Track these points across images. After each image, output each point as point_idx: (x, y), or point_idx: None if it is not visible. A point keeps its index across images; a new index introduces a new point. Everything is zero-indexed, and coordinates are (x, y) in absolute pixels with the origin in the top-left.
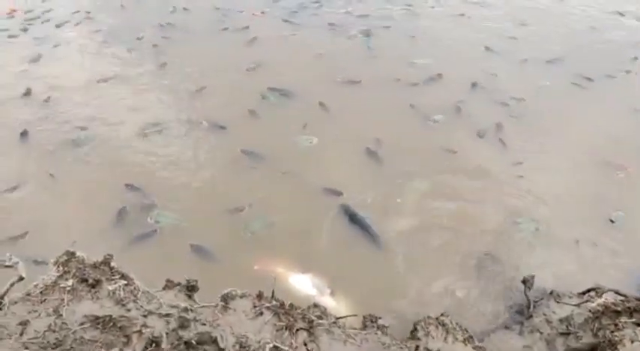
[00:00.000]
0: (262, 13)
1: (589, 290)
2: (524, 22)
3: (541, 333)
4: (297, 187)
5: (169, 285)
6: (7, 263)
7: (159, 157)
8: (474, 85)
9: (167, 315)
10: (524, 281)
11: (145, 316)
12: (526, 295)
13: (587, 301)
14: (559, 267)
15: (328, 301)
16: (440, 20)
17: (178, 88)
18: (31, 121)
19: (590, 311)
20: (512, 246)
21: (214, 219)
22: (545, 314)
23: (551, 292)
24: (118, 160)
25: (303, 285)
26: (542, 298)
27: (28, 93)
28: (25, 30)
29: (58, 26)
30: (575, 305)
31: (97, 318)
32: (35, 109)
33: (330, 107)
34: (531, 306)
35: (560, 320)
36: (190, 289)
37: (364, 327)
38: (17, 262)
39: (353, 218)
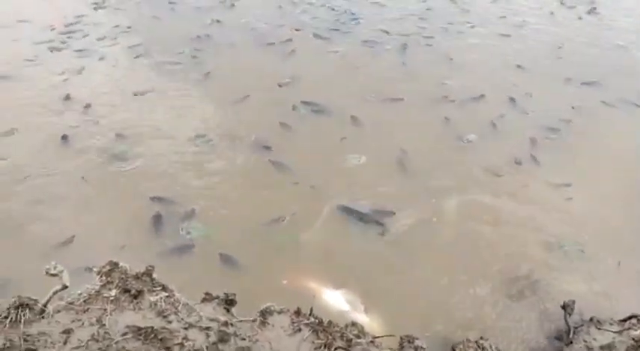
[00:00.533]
0: (297, 30)
1: (630, 317)
2: (560, 45)
3: None
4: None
5: (208, 298)
6: (52, 272)
7: (195, 167)
8: (510, 103)
9: (207, 328)
10: (564, 306)
11: (185, 328)
12: (566, 320)
13: (629, 328)
14: (600, 293)
15: (362, 318)
16: (479, 39)
17: (217, 100)
18: (72, 128)
19: (632, 339)
20: (553, 269)
21: (247, 231)
22: (585, 341)
23: (591, 319)
24: (155, 170)
25: (336, 301)
26: (582, 325)
27: (67, 97)
28: (65, 43)
29: (99, 39)
30: (616, 332)
31: (139, 329)
32: (75, 116)
33: (363, 122)
34: (571, 332)
35: (602, 347)
36: (229, 302)
37: (401, 348)
38: (62, 271)
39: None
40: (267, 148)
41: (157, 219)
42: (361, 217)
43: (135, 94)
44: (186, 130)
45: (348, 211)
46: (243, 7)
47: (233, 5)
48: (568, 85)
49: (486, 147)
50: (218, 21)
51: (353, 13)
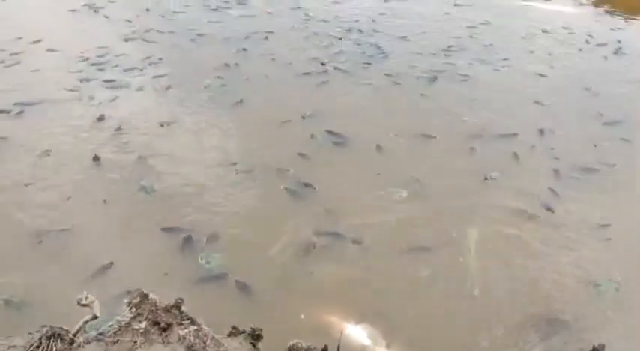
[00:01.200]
0: (323, 64)
1: None
2: (587, 84)
3: None
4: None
5: (234, 332)
6: (83, 302)
7: (218, 196)
8: (537, 140)
9: None
10: (594, 350)
11: None
12: None
13: None
14: (632, 335)
15: None
16: (504, 75)
17: (244, 130)
18: (103, 151)
19: None
20: (585, 310)
21: (267, 261)
22: None
23: None
24: (180, 198)
25: (357, 336)
26: None
27: (97, 125)
28: (95, 73)
29: (128, 70)
30: None
31: None
32: (106, 143)
33: (387, 153)
34: None
35: None
36: (255, 337)
37: None
38: (93, 301)
39: None
40: (306, 184)
41: (185, 245)
42: None
43: (161, 125)
44: (210, 158)
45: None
46: (271, 40)
47: (265, 38)
48: (596, 124)
49: (514, 184)
50: (244, 49)
51: (379, 48)
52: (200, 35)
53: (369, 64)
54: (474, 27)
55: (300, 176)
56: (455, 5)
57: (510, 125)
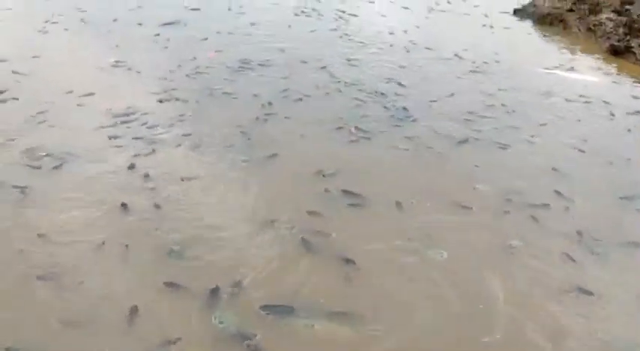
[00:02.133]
0: (356, 128)
1: None
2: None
3: None
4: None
5: None
6: None
7: (233, 254)
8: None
9: None
10: None
11: None
12: None
13: None
14: None
15: None
16: (535, 144)
17: (265, 185)
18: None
19: None
20: None
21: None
22: None
23: None
24: (203, 255)
25: None
26: None
27: (124, 206)
28: (124, 129)
29: (153, 127)
30: None
31: None
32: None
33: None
34: None
35: None
36: None
37: None
38: None
39: None
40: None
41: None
42: None
43: (182, 179)
44: (230, 214)
45: None
46: (294, 98)
47: (299, 100)
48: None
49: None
50: (270, 103)
51: (405, 109)
52: (227, 93)
53: (398, 126)
54: (496, 93)
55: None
56: (472, 72)
57: (538, 194)
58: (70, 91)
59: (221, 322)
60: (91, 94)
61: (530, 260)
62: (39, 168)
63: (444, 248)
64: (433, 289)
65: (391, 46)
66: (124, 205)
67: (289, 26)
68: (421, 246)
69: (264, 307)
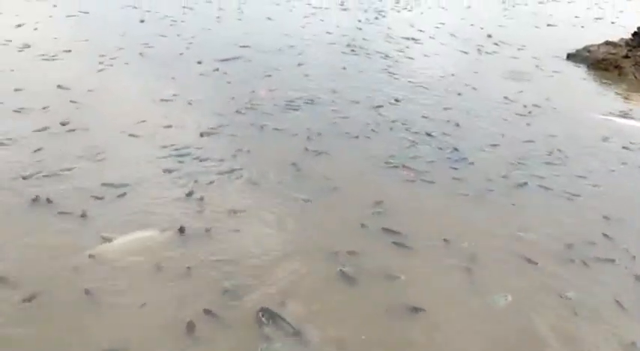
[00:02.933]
0: (411, 171)
1: None
2: None
3: None
4: None
5: None
6: None
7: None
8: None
9: None
10: None
11: None
12: None
13: None
14: None
15: None
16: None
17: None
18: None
19: None
20: None
21: None
22: None
23: None
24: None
25: None
26: None
27: (182, 231)
28: (177, 162)
29: (205, 160)
30: None
31: None
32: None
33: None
34: None
35: None
36: None
37: None
38: None
39: None
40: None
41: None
42: None
43: (234, 212)
44: (275, 250)
45: None
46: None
47: (350, 138)
48: None
49: None
50: (319, 135)
51: (457, 150)
52: (277, 129)
53: (454, 168)
54: (550, 137)
55: None
56: (523, 115)
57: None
58: (126, 124)
59: None
60: (146, 126)
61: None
62: (101, 198)
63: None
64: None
65: (439, 86)
66: (182, 229)
67: (337, 65)
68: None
69: None
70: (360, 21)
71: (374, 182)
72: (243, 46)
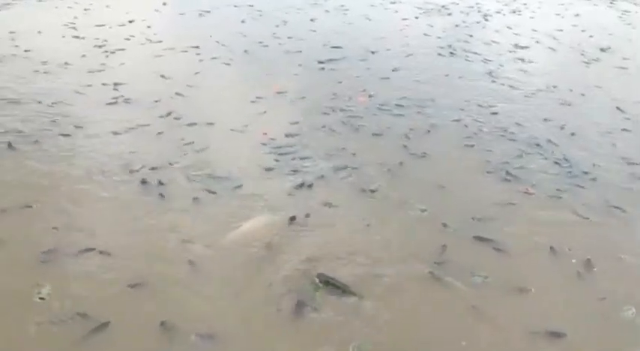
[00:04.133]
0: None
1: None
2: None
3: None
4: None
5: None
6: None
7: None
8: None
9: None
10: None
11: None
12: None
13: None
14: None
15: None
16: None
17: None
18: None
19: None
20: None
21: None
22: None
23: None
24: None
25: None
26: None
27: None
28: (277, 157)
29: (304, 158)
30: None
31: None
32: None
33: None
34: None
35: None
36: None
37: None
38: None
39: None
40: None
41: None
42: None
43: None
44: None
45: None
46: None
47: (451, 145)
48: None
49: None
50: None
51: (568, 161)
52: (376, 134)
53: (581, 187)
54: None
55: None
56: None
57: None
58: (229, 118)
59: None
60: (248, 121)
61: None
62: (209, 190)
63: None
64: None
65: (547, 94)
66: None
67: (436, 70)
68: None
69: None
70: (464, 22)
71: (479, 192)
72: (344, 48)
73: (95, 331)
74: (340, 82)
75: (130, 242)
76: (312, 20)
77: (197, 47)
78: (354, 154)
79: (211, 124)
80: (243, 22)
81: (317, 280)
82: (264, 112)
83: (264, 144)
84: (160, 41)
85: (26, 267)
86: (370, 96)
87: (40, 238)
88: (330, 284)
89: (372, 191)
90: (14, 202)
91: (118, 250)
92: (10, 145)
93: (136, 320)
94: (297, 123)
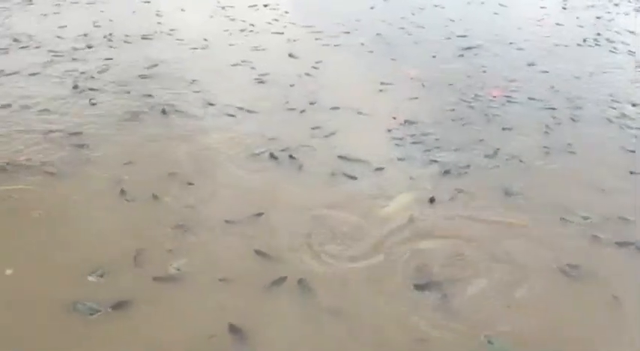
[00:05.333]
0: None
1: None
2: None
3: None
4: None
5: None
6: None
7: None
8: None
9: None
10: None
11: None
12: None
13: None
14: None
15: None
16: None
17: None
18: None
19: None
20: None
21: None
22: None
23: None
24: None
25: None
26: None
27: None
28: (412, 146)
29: (437, 147)
30: None
31: None
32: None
33: None
34: None
35: None
36: None
37: None
38: None
39: None
40: None
41: None
42: None
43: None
44: None
45: None
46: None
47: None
48: None
49: None
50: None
51: None
52: (507, 129)
53: None
54: None
55: None
56: None
57: None
58: (358, 102)
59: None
60: (378, 105)
61: None
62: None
63: None
64: None
65: None
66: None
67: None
68: None
69: None
70: (608, 13)
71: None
72: (479, 38)
73: None
74: (473, 73)
75: None
76: (442, 7)
77: (326, 32)
78: (492, 148)
79: (340, 108)
80: (372, 8)
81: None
82: (396, 97)
83: (394, 129)
84: (293, 24)
85: None
86: (504, 91)
87: None
88: None
89: (512, 194)
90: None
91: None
92: (163, 111)
93: None
94: (427, 110)
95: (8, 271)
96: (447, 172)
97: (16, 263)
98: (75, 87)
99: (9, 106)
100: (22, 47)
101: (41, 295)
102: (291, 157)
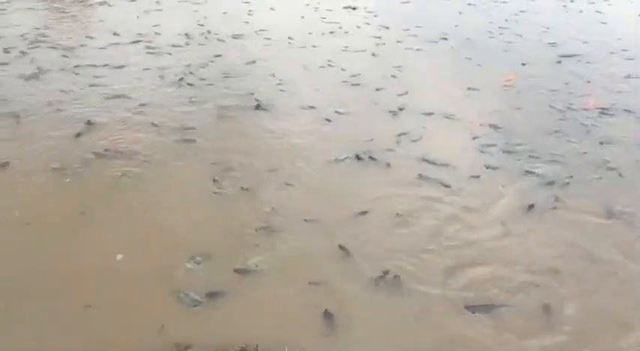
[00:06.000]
0: None
1: None
2: None
3: None
4: None
5: None
6: None
7: None
8: None
9: None
10: None
11: None
12: None
13: None
14: None
15: None
16: None
17: None
18: None
19: None
20: None
21: None
22: None
23: None
24: None
25: None
26: None
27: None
28: (498, 155)
29: (532, 157)
30: None
31: None
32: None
33: None
34: None
35: None
36: None
37: None
38: None
39: None
40: None
41: None
42: None
43: None
44: None
45: None
46: None
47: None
48: None
49: None
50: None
51: None
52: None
53: None
54: None
55: None
56: None
57: None
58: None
59: None
60: (463, 110)
61: None
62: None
63: None
64: None
65: None
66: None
67: None
68: None
69: None
70: None
71: None
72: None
73: None
74: (569, 82)
75: None
76: (535, 13)
77: (414, 36)
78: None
79: (430, 113)
80: (460, 13)
81: None
82: (486, 103)
83: (482, 135)
84: (380, 27)
85: None
86: (600, 105)
87: None
88: None
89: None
90: None
91: None
92: (258, 106)
93: None
94: (521, 119)
95: (119, 256)
96: (549, 184)
97: (124, 249)
98: (179, 80)
99: (118, 97)
100: (122, 43)
101: (148, 282)
102: (372, 158)
